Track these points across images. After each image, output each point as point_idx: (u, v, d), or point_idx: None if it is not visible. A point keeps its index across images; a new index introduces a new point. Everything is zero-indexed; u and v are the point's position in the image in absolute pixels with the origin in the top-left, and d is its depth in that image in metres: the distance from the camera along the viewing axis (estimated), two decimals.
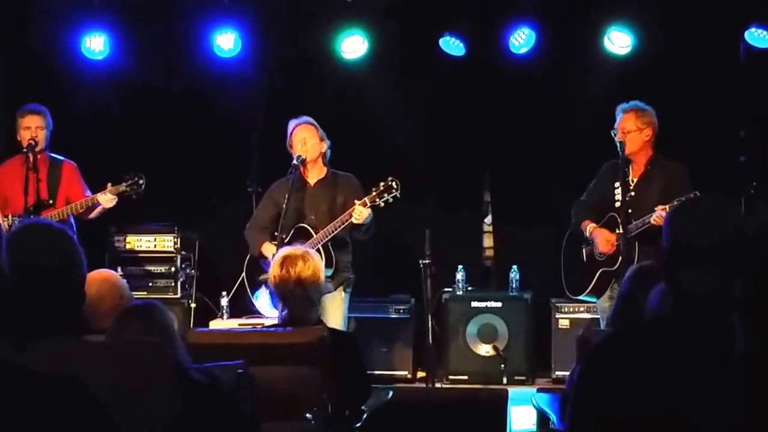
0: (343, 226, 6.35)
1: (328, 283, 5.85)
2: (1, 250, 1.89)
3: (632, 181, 6.33)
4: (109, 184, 6.73)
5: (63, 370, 2.02)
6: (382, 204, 6.31)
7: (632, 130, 6.30)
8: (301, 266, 4.49)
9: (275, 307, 6.11)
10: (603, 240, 6.37)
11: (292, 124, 6.58)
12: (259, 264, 6.58)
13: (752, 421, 2.10)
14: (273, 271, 4.54)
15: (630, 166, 6.34)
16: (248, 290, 6.72)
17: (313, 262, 4.54)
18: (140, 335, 3.13)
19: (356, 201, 6.31)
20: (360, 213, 6.27)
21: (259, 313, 6.72)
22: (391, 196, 6.28)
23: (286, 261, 4.52)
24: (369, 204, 6.29)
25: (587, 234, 6.49)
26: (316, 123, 6.58)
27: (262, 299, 6.59)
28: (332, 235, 6.37)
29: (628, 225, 6.11)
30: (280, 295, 4.55)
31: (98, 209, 6.79)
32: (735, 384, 2.12)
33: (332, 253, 6.34)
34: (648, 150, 6.37)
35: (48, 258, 2.36)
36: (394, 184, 6.28)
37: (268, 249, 6.51)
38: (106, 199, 6.71)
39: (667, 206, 5.89)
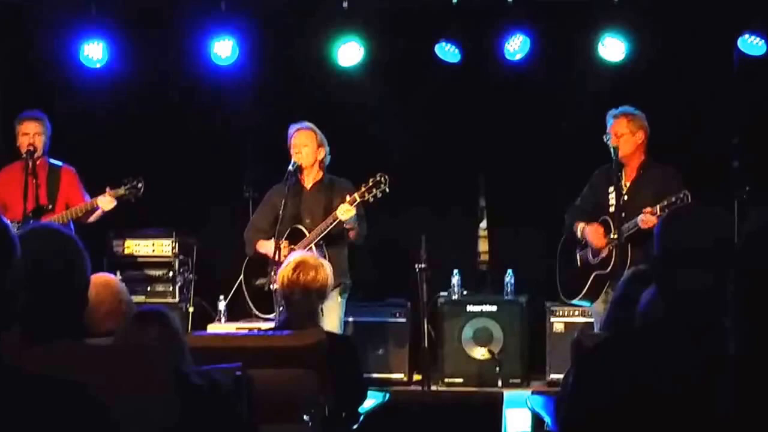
0: (333, 224, 6.38)
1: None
2: (16, 252, 1.91)
3: (625, 185, 6.38)
4: (108, 188, 6.78)
5: (64, 372, 2.05)
6: (371, 199, 6.33)
7: (625, 133, 6.35)
8: (313, 276, 4.50)
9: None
10: (594, 234, 6.40)
11: (292, 128, 6.61)
12: (261, 267, 6.59)
13: (745, 423, 2.11)
14: (284, 272, 4.55)
15: (623, 171, 6.40)
16: (246, 294, 6.73)
17: (324, 275, 4.55)
18: (155, 340, 3.15)
19: (347, 197, 6.34)
20: (344, 210, 6.29)
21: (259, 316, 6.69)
22: (379, 191, 6.29)
23: (300, 267, 4.53)
24: (358, 199, 6.31)
25: (579, 234, 6.52)
26: (316, 128, 6.60)
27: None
28: (323, 233, 6.39)
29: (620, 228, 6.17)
30: (284, 297, 4.57)
31: (97, 213, 6.83)
32: (727, 387, 2.12)
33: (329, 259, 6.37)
34: (640, 155, 6.42)
35: (52, 261, 2.40)
36: (382, 179, 6.29)
37: (263, 246, 6.52)
38: (106, 202, 6.74)
39: (654, 208, 5.96)
